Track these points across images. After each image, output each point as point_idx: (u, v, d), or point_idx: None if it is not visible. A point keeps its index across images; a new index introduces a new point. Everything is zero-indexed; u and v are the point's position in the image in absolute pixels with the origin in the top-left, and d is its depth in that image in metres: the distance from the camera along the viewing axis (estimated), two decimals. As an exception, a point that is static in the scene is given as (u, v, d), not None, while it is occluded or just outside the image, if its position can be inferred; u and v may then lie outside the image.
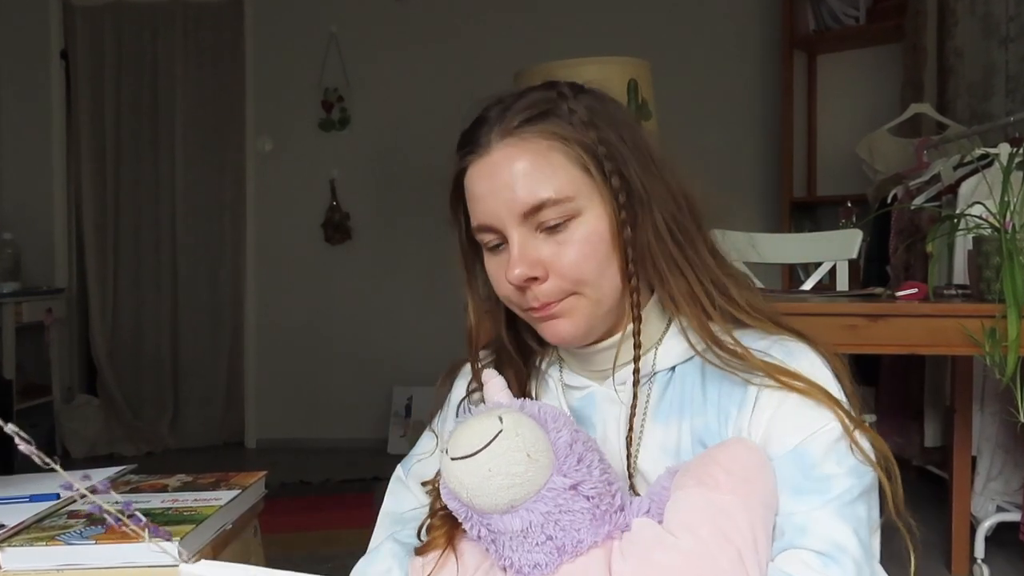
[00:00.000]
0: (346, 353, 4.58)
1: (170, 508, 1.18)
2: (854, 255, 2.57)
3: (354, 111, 4.55)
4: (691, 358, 0.91)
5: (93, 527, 1.10)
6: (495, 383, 0.88)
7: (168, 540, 0.84)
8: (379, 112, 4.53)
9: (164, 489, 1.29)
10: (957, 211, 2.23)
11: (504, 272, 0.89)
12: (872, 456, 0.84)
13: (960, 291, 2.09)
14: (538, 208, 0.86)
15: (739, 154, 4.32)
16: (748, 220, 4.15)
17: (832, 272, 2.60)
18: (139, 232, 4.61)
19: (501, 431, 0.78)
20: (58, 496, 1.21)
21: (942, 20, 3.65)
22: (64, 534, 1.08)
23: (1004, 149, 2.31)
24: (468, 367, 1.05)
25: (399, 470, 1.06)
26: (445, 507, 0.88)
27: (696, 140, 4.13)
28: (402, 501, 1.03)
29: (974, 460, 2.69)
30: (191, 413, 4.62)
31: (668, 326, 0.93)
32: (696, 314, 0.88)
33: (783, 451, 0.83)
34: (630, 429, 0.90)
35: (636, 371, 0.90)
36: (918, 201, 2.75)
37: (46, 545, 1.05)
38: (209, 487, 1.29)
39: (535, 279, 0.87)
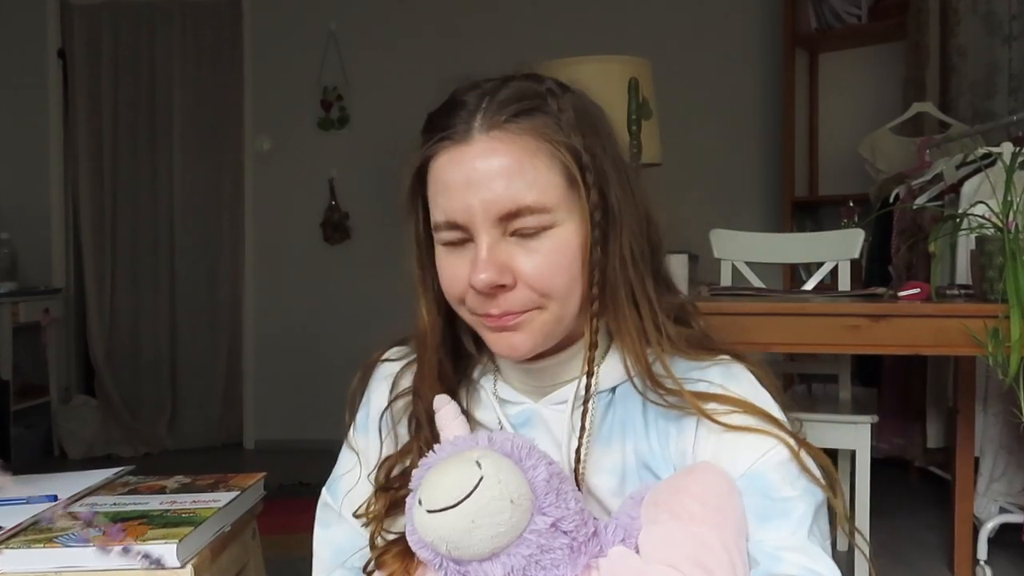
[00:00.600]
0: (345, 353, 4.52)
1: (168, 510, 1.17)
2: (856, 255, 2.56)
3: (353, 110, 4.53)
4: (626, 380, 0.89)
5: (90, 529, 1.08)
6: (448, 410, 0.84)
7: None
8: (379, 111, 4.51)
9: (162, 491, 1.28)
10: (960, 211, 2.23)
11: (463, 272, 0.82)
12: (817, 473, 0.83)
13: (963, 291, 2.08)
14: (515, 214, 0.80)
15: (740, 153, 4.31)
16: (750, 219, 4.14)
17: (834, 272, 2.59)
18: (137, 232, 4.59)
19: (482, 479, 0.73)
20: (55, 498, 1.20)
21: (944, 18, 3.64)
22: (61, 536, 1.07)
23: (1007, 148, 2.30)
24: (382, 370, 0.99)
25: (325, 495, 1.00)
26: (388, 541, 0.86)
27: (697, 139, 4.13)
28: (334, 528, 0.98)
29: (977, 461, 2.67)
30: (189, 414, 4.60)
31: (608, 347, 0.90)
32: (637, 346, 0.86)
33: (735, 475, 0.82)
34: (578, 448, 0.86)
35: (587, 394, 0.87)
36: (920, 201, 2.74)
37: (43, 547, 1.05)
38: (207, 489, 1.29)
39: (503, 287, 0.81)
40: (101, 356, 4.49)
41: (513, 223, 0.81)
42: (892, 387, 3.22)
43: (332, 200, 4.56)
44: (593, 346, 0.85)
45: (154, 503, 1.21)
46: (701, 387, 0.85)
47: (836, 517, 0.85)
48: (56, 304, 4.36)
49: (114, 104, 4.53)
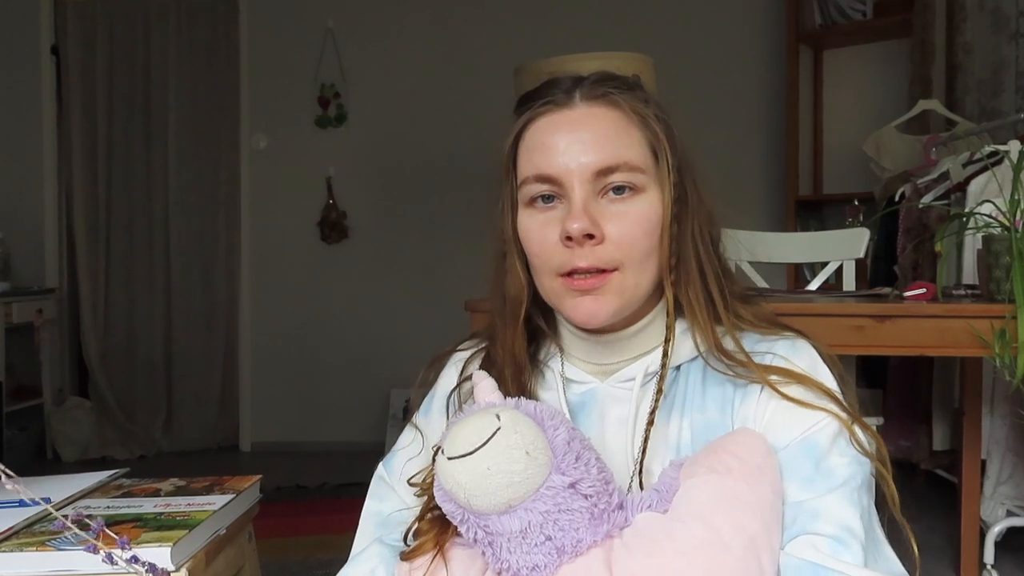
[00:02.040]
0: (343, 354, 4.53)
1: (163, 513, 1.17)
2: (861, 254, 2.55)
3: (351, 107, 4.51)
4: (695, 358, 0.94)
5: (84, 532, 1.07)
6: (486, 384, 0.87)
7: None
8: (377, 109, 4.49)
9: (157, 493, 1.28)
10: (966, 209, 2.22)
11: (551, 231, 0.88)
12: (869, 449, 0.87)
13: (969, 291, 2.07)
14: (612, 169, 0.87)
15: (744, 151, 4.30)
16: (753, 218, 4.12)
17: (839, 272, 2.58)
18: (131, 231, 4.56)
19: (499, 428, 0.77)
20: (48, 501, 1.18)
21: (951, 15, 3.64)
22: (55, 539, 1.06)
23: (1014, 146, 2.30)
24: (454, 357, 1.05)
25: (381, 469, 1.04)
26: (434, 510, 0.88)
27: (700, 137, 4.07)
28: (385, 502, 1.01)
29: (983, 464, 2.66)
30: (185, 415, 4.57)
31: (674, 326, 0.95)
32: (707, 320, 0.91)
33: (788, 441, 0.86)
34: (649, 424, 0.91)
35: (664, 365, 0.92)
36: (926, 199, 2.74)
37: (36, 551, 1.04)
38: (203, 491, 1.28)
39: (591, 237, 0.86)
40: (95, 357, 4.46)
41: (607, 179, 0.88)
42: (897, 388, 3.21)
43: (329, 199, 4.53)
44: (671, 313, 0.92)
45: (148, 506, 1.20)
46: (768, 359, 0.91)
47: (885, 497, 0.88)
48: (49, 304, 4.33)
49: (108, 101, 4.50)
